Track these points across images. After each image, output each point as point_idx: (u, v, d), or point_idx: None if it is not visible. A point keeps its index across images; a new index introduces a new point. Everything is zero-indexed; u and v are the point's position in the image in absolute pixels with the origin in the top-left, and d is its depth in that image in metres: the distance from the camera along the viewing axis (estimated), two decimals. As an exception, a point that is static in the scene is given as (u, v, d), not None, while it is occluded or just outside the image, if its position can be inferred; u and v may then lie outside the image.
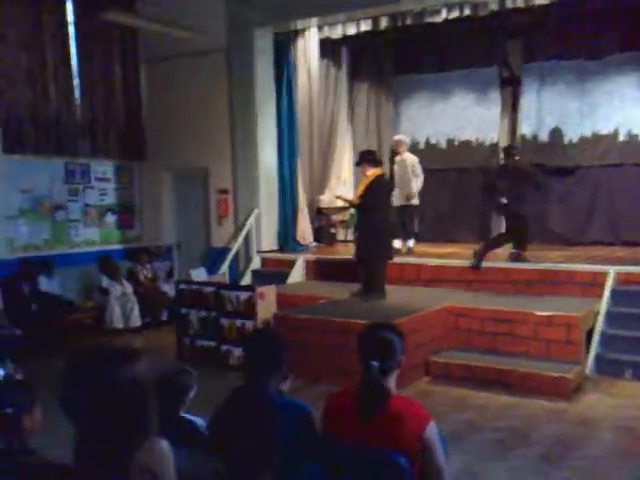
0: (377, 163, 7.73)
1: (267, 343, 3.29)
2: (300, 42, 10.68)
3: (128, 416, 2.34)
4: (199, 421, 3.30)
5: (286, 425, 2.98)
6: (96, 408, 2.32)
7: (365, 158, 7.69)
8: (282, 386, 3.22)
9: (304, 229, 10.53)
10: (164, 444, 2.39)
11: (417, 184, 9.55)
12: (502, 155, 9.26)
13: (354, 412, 2.85)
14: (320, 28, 10.60)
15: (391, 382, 2.91)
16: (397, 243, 9.42)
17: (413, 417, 2.78)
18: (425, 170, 11.42)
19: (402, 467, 2.69)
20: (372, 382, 2.84)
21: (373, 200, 7.47)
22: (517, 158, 8.46)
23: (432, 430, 2.77)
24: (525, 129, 10.78)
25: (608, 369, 6.68)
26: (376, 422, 2.78)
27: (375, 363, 2.83)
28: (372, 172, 7.59)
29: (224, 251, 9.87)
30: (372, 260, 7.66)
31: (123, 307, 9.06)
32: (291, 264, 9.56)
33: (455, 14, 9.58)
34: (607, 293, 7.21)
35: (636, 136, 9.63)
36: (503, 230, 8.92)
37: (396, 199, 9.70)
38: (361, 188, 7.63)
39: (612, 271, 7.38)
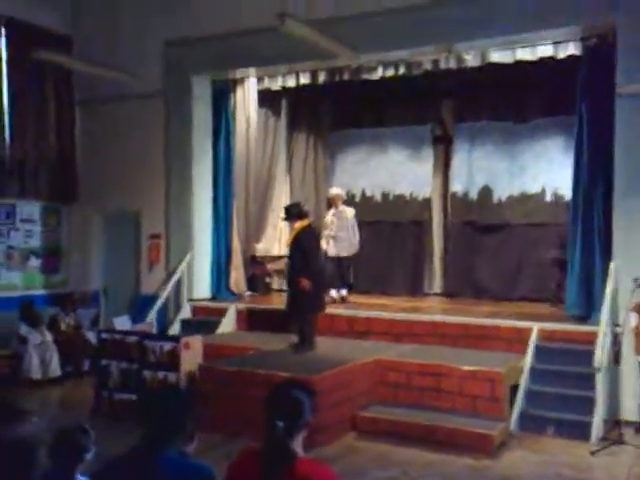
0: (303, 215, 7.80)
1: (170, 401, 3.14)
2: (239, 91, 10.74)
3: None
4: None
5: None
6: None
7: (291, 213, 7.85)
8: (186, 447, 3.07)
9: (238, 278, 10.39)
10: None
11: (357, 236, 9.89)
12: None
13: (257, 475, 2.73)
14: (260, 79, 10.68)
15: (297, 444, 2.80)
16: (333, 292, 9.72)
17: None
18: (360, 222, 11.61)
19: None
20: (276, 443, 2.73)
21: (302, 250, 7.48)
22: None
23: (337, 495, 2.68)
24: (456, 187, 11.06)
25: (532, 425, 6.74)
26: (283, 486, 2.68)
27: (280, 423, 2.74)
28: (299, 224, 7.69)
29: (154, 298, 9.61)
30: (302, 312, 7.60)
31: (42, 356, 8.64)
32: (222, 313, 9.39)
33: (391, 72, 9.80)
34: (531, 349, 7.33)
35: (562, 196, 9.98)
36: None
37: (332, 250, 9.80)
38: (289, 239, 7.68)
39: (535, 327, 7.52)
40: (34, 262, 10.27)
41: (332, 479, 2.71)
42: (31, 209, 10.25)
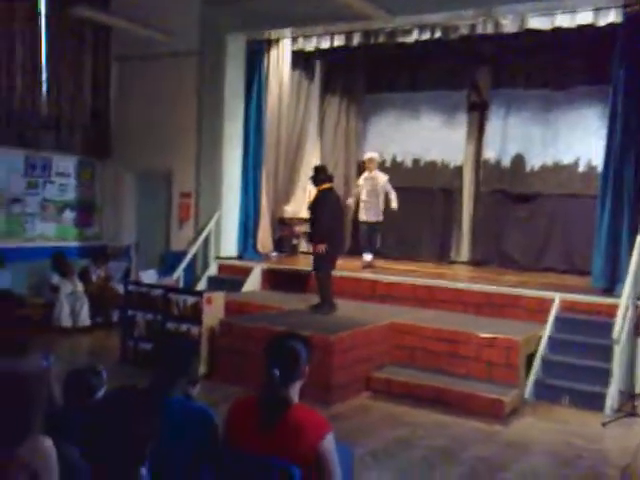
0: (326, 180, 7.82)
1: (175, 347, 3.31)
2: (273, 52, 10.72)
3: (7, 412, 2.31)
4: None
5: (188, 430, 2.99)
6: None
7: (316, 177, 7.89)
8: (191, 391, 3.22)
9: (265, 238, 10.52)
10: (47, 442, 2.36)
11: (395, 201, 9.79)
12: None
13: (254, 420, 2.85)
14: (294, 40, 10.64)
15: (293, 392, 2.91)
16: (366, 256, 9.71)
17: (311, 428, 2.78)
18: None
19: (294, 478, 2.69)
20: (272, 390, 2.84)
21: (325, 218, 7.58)
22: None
23: (329, 442, 2.78)
24: (488, 154, 10.91)
25: (546, 394, 6.76)
26: (275, 432, 2.78)
27: (276, 371, 2.84)
28: (319, 188, 7.77)
29: (183, 255, 9.82)
30: (316, 272, 7.72)
31: (72, 305, 8.95)
32: (248, 272, 9.55)
33: (426, 36, 9.65)
34: (551, 319, 7.31)
35: (595, 167, 9.78)
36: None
37: (362, 215, 9.78)
38: (310, 202, 7.87)
39: (557, 298, 7.48)
40: (68, 215, 10.56)
41: (323, 425, 2.81)
42: (66, 163, 10.51)
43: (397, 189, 11.50)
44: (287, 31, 10.30)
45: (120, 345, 7.75)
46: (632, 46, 7.73)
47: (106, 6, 10.52)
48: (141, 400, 2.24)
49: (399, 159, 11.67)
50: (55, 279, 9.03)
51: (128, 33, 10.02)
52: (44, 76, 10.03)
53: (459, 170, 11.23)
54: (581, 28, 8.46)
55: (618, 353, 6.55)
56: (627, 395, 6.63)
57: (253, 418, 2.87)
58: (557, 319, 7.35)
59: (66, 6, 9.39)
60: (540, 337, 7.17)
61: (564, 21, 8.51)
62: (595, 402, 6.45)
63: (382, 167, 11.72)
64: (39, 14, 9.95)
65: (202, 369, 6.95)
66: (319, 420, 2.83)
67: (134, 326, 7.61)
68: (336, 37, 10.18)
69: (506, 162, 10.74)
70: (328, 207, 7.65)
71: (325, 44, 10.37)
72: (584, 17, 8.36)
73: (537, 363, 6.96)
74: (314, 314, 7.64)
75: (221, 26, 9.97)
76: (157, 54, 10.32)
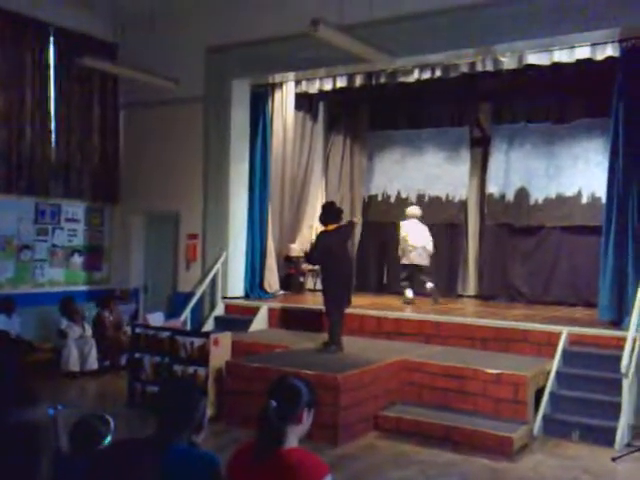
0: (328, 220, 7.94)
1: (180, 393, 3.30)
2: (277, 94, 10.93)
3: (13, 462, 2.36)
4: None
5: (192, 476, 3.00)
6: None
7: (319, 216, 8.19)
8: (195, 438, 3.22)
9: (271, 277, 10.59)
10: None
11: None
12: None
13: (250, 460, 2.85)
14: (297, 83, 10.85)
15: (290, 433, 2.88)
16: (409, 293, 10.24)
17: (309, 471, 2.76)
18: (395, 224, 11.70)
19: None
20: (267, 422, 2.82)
21: (316, 255, 7.78)
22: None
23: (327, 484, 2.77)
24: (492, 188, 11.00)
25: (555, 430, 6.70)
26: (272, 474, 2.78)
27: (273, 402, 2.83)
28: (326, 228, 7.92)
29: (190, 296, 9.89)
30: (328, 311, 7.75)
31: (81, 350, 9.01)
32: (255, 311, 9.59)
33: (427, 75, 9.83)
34: (559, 353, 7.27)
35: (599, 199, 9.82)
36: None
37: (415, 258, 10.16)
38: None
39: (565, 331, 7.46)
40: (77, 259, 10.70)
41: (321, 468, 2.77)
42: (75, 209, 10.69)
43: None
44: (290, 75, 10.51)
45: (127, 388, 7.77)
46: (630, 79, 7.84)
47: (113, 56, 10.80)
48: (144, 451, 2.27)
49: (403, 195, 11.78)
50: (63, 324, 9.10)
51: (135, 81, 10.26)
52: (53, 124, 10.26)
53: (464, 204, 11.32)
54: (580, 62, 8.60)
55: (627, 386, 6.50)
56: (638, 429, 6.56)
57: (248, 458, 2.87)
58: (565, 353, 7.32)
59: (74, 57, 9.64)
60: (548, 372, 7.13)
61: (562, 56, 8.65)
62: (605, 437, 6.38)
63: (386, 203, 11.89)
64: (48, 64, 10.23)
65: (209, 412, 6.95)
66: (317, 463, 2.80)
67: (141, 369, 7.64)
68: (338, 79, 10.38)
69: (510, 196, 10.82)
70: (316, 247, 7.86)
71: (328, 86, 10.57)
72: (582, 52, 8.48)
73: (545, 398, 6.91)
74: (321, 353, 7.64)
75: (226, 72, 10.19)
76: (164, 101, 10.54)
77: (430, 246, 10.28)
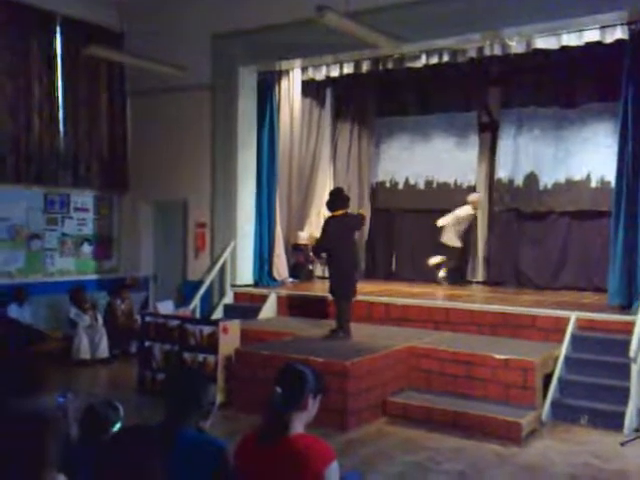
0: (335, 207, 7.95)
1: (187, 381, 3.34)
2: (284, 81, 10.90)
3: (23, 450, 2.39)
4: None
5: (200, 464, 3.03)
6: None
7: (326, 203, 8.23)
8: (203, 424, 3.26)
9: (280, 264, 10.61)
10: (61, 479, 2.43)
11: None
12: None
13: (257, 446, 2.87)
14: (304, 69, 10.82)
15: (296, 420, 2.90)
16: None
17: (315, 455, 2.77)
18: (404, 210, 11.70)
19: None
20: (272, 408, 2.85)
21: (324, 241, 7.78)
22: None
23: (333, 470, 2.78)
24: (501, 173, 10.94)
25: (564, 415, 6.71)
26: (278, 459, 2.80)
27: (279, 389, 2.86)
28: (333, 213, 7.93)
29: (199, 284, 9.93)
30: (336, 298, 7.78)
31: (91, 338, 9.08)
32: (264, 299, 9.62)
33: (434, 60, 9.76)
34: (567, 338, 7.26)
35: (608, 183, 9.76)
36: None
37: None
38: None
39: (573, 316, 7.44)
40: (87, 249, 10.76)
41: (327, 453, 2.79)
42: (84, 198, 10.73)
43: (411, 211, 11.69)
44: (297, 61, 10.47)
45: (138, 376, 7.83)
46: (639, 61, 7.76)
47: (119, 44, 10.79)
48: (153, 437, 2.29)
49: (412, 181, 11.74)
50: (73, 313, 9.17)
51: (142, 69, 10.25)
52: (61, 114, 10.28)
53: (472, 190, 11.25)
54: (589, 46, 8.52)
55: (636, 371, 6.49)
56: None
57: (254, 444, 2.89)
58: (574, 338, 7.30)
59: (81, 46, 9.64)
60: (557, 357, 7.13)
61: (571, 40, 8.57)
62: (614, 421, 6.38)
63: (395, 190, 11.87)
64: (55, 54, 10.23)
65: (219, 398, 7.00)
66: (323, 448, 2.82)
67: (151, 357, 7.69)
68: (345, 65, 10.34)
69: (519, 181, 10.76)
70: (325, 233, 7.85)
71: (335, 72, 10.54)
72: (591, 35, 8.40)
73: (554, 383, 6.91)
74: (329, 340, 7.67)
75: (232, 59, 10.16)
76: (171, 88, 10.53)
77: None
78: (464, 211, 10.72)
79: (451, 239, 10.66)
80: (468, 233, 10.95)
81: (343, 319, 7.80)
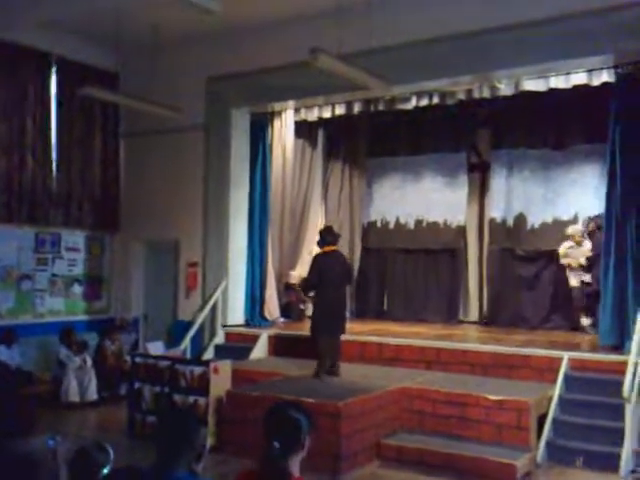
0: (325, 243, 8.00)
1: (179, 422, 3.30)
2: (277, 122, 11.03)
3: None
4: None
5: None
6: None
7: (317, 243, 8.26)
8: (195, 466, 3.21)
9: (271, 304, 10.57)
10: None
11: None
12: None
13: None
14: (297, 110, 10.96)
15: (292, 464, 2.87)
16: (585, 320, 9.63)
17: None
18: (394, 250, 11.74)
19: None
20: (272, 463, 2.82)
21: (310, 278, 7.91)
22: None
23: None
24: (494, 213, 11.02)
25: (559, 456, 6.64)
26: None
27: (276, 443, 2.83)
28: (322, 250, 8.00)
29: (190, 324, 9.85)
30: (314, 335, 7.80)
31: (80, 380, 8.94)
32: (255, 339, 9.56)
33: (425, 102, 9.95)
34: (560, 379, 7.23)
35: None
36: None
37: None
38: None
39: (566, 357, 7.42)
40: (77, 289, 10.69)
41: None
42: (76, 238, 10.71)
43: (401, 250, 11.77)
44: (289, 103, 10.61)
45: (128, 419, 7.70)
46: (626, 104, 7.91)
47: (114, 85, 10.91)
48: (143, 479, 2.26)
49: (402, 221, 11.81)
50: (63, 354, 9.05)
51: (136, 110, 10.34)
52: (54, 154, 10.32)
53: (462, 230, 11.35)
54: (576, 88, 8.70)
55: (630, 412, 6.45)
56: (642, 455, 6.50)
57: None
58: (567, 378, 7.28)
59: (76, 86, 9.73)
60: (551, 397, 7.09)
61: (559, 82, 8.78)
62: (609, 463, 6.32)
63: (386, 229, 11.94)
64: (49, 94, 10.32)
65: (210, 441, 6.89)
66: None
67: (141, 399, 7.57)
68: (337, 107, 10.51)
69: (510, 221, 10.85)
70: (314, 269, 7.84)
71: (327, 113, 10.70)
72: (578, 78, 8.62)
73: (548, 424, 6.86)
74: (321, 380, 7.61)
75: (226, 101, 10.29)
76: (164, 129, 10.62)
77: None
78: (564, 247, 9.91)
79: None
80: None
81: (320, 356, 7.73)
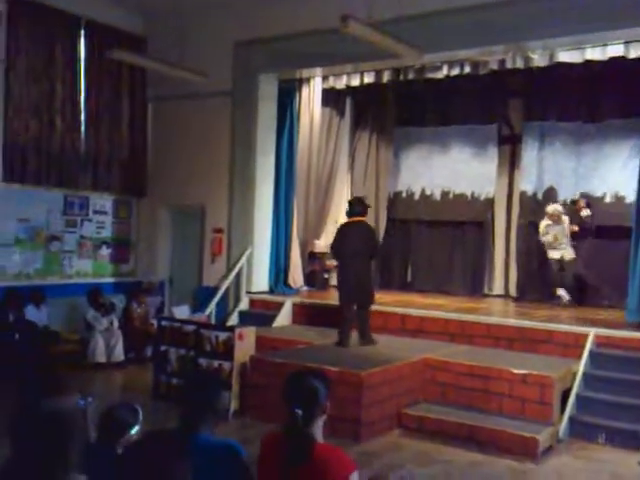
0: (352, 214, 7.98)
1: (202, 386, 3.37)
2: (304, 90, 10.94)
3: (45, 450, 2.40)
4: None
5: (216, 467, 3.04)
6: (17, 439, 2.39)
7: (346, 212, 8.23)
8: (217, 428, 3.28)
9: (296, 272, 10.61)
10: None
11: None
12: None
13: (282, 459, 2.88)
14: (325, 78, 10.85)
15: (316, 429, 2.92)
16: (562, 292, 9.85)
17: (337, 466, 2.80)
18: (420, 221, 11.64)
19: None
20: (296, 430, 2.87)
21: (331, 246, 8.06)
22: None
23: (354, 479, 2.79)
24: (526, 186, 10.84)
25: (581, 432, 6.62)
26: (301, 470, 2.81)
27: (299, 411, 2.87)
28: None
29: (215, 290, 9.93)
30: (340, 306, 7.84)
31: (107, 341, 9.10)
32: (279, 307, 9.60)
33: (456, 71, 9.77)
34: (586, 355, 7.17)
35: (623, 198, 9.71)
36: None
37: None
38: None
39: (592, 333, 7.36)
40: (105, 251, 10.81)
41: (348, 464, 2.82)
42: (104, 201, 10.80)
43: (426, 222, 11.68)
44: (317, 70, 10.50)
45: (153, 381, 7.83)
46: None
47: (142, 49, 10.87)
48: (175, 442, 2.29)
49: (428, 192, 11.68)
50: (90, 315, 9.20)
51: (163, 75, 10.31)
52: (83, 117, 10.36)
53: (490, 202, 11.20)
54: (613, 60, 8.47)
55: (655, 390, 6.41)
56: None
57: (281, 456, 2.90)
58: (592, 354, 7.22)
59: (104, 49, 9.72)
60: (575, 373, 7.04)
61: (595, 54, 8.54)
62: (632, 440, 6.30)
63: (411, 200, 11.84)
64: (78, 57, 10.32)
65: (234, 405, 6.99)
66: (344, 458, 2.85)
67: (167, 362, 7.68)
68: (366, 75, 10.37)
69: (540, 195, 10.68)
70: (334, 238, 7.98)
71: (355, 82, 10.57)
72: (615, 50, 8.37)
73: (572, 400, 6.82)
74: (339, 348, 7.67)
75: (253, 66, 10.20)
76: (191, 94, 10.59)
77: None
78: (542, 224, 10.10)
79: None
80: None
81: (339, 323, 7.87)
